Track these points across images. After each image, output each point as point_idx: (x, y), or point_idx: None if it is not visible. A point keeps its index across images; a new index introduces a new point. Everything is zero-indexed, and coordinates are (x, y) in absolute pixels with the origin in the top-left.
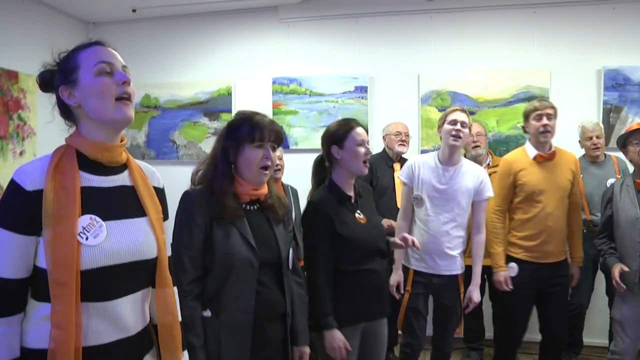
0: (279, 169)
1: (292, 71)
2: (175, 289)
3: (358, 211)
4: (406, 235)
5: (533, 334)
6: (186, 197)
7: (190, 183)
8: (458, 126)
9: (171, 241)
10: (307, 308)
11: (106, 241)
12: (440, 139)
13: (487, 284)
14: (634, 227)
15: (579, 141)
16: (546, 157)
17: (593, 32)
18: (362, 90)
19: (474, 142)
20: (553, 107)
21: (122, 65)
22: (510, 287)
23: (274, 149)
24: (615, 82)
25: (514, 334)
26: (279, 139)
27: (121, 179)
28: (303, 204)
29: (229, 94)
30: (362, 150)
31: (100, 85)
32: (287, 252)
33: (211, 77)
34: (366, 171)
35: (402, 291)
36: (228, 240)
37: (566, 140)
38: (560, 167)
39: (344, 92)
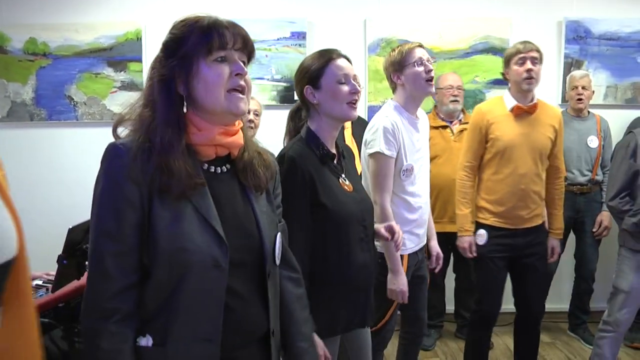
0: (251, 127)
1: (216, 13)
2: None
3: (343, 176)
4: (395, 226)
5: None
6: (110, 155)
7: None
8: (428, 65)
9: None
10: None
11: None
12: (395, 87)
13: (451, 253)
14: None
15: (565, 92)
16: (525, 110)
17: None
18: (299, 36)
19: (454, 95)
20: (539, 51)
21: None
22: (475, 254)
23: (244, 64)
24: (576, 34)
25: (490, 310)
26: (249, 49)
27: None
28: None
29: (139, 39)
30: (345, 88)
31: None
32: (274, 239)
33: (116, 18)
34: (354, 115)
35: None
36: (178, 226)
37: None
38: (540, 122)
39: (278, 39)
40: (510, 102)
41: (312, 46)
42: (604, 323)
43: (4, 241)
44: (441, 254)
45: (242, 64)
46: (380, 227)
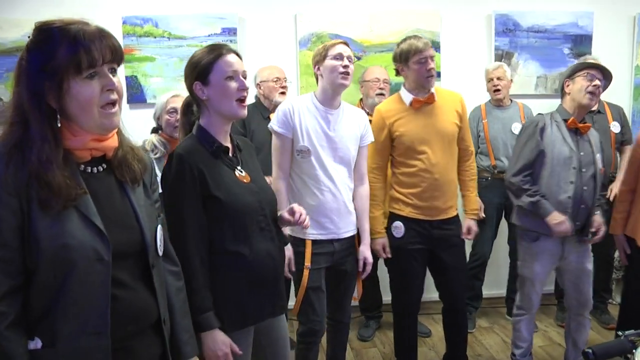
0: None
1: (147, 9)
2: None
3: (239, 167)
4: (296, 207)
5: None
6: None
7: None
8: (345, 61)
9: None
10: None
11: None
12: (318, 78)
13: None
14: (566, 166)
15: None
16: (424, 102)
17: None
18: (230, 32)
19: (380, 88)
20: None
21: None
22: (389, 255)
23: (114, 72)
24: (505, 27)
25: (410, 300)
26: (119, 56)
27: None
28: None
29: None
30: (233, 85)
31: None
32: (155, 230)
33: (43, 14)
34: (243, 113)
35: (292, 269)
36: (59, 225)
37: (460, 87)
38: (442, 110)
39: (209, 35)
40: (408, 97)
41: (244, 42)
42: (517, 308)
43: None
44: (369, 260)
45: (111, 76)
46: (283, 212)
